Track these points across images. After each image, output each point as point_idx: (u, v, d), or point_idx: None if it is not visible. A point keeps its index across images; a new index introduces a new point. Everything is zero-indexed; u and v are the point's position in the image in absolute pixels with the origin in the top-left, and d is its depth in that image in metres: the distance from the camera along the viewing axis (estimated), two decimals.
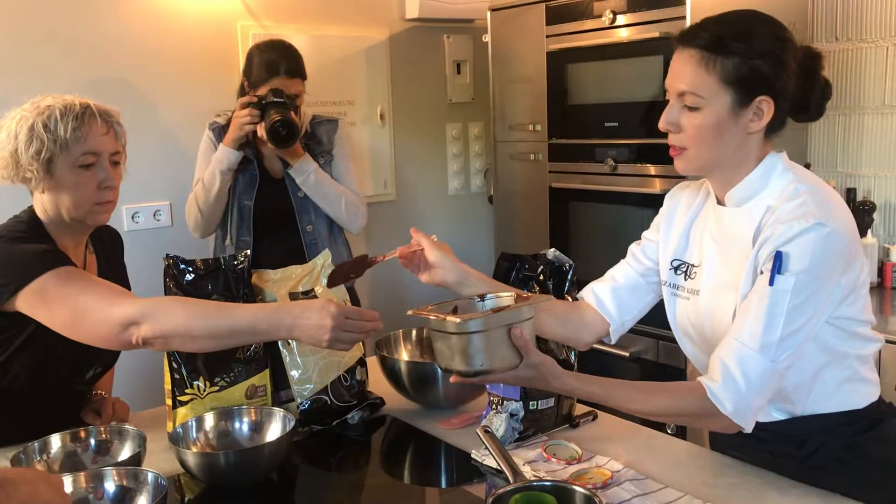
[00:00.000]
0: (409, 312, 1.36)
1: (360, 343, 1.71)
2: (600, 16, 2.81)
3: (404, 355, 1.95)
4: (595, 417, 1.73)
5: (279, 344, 1.71)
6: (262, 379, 1.71)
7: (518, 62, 3.18)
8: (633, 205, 2.82)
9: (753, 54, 1.33)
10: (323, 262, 1.83)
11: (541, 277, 1.69)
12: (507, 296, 1.44)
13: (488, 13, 3.29)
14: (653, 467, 1.48)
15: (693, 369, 1.93)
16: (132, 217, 2.96)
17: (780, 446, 1.43)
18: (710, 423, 1.36)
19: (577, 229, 3.06)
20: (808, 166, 2.94)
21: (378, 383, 1.85)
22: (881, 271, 2.80)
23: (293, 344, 1.71)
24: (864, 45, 2.83)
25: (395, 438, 1.75)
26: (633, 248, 1.65)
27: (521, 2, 3.14)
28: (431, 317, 1.32)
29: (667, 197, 1.62)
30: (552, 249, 1.71)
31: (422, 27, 3.54)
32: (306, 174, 2.61)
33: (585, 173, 2.95)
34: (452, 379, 1.34)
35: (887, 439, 1.42)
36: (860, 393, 1.42)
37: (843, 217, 1.33)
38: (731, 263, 1.41)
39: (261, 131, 2.51)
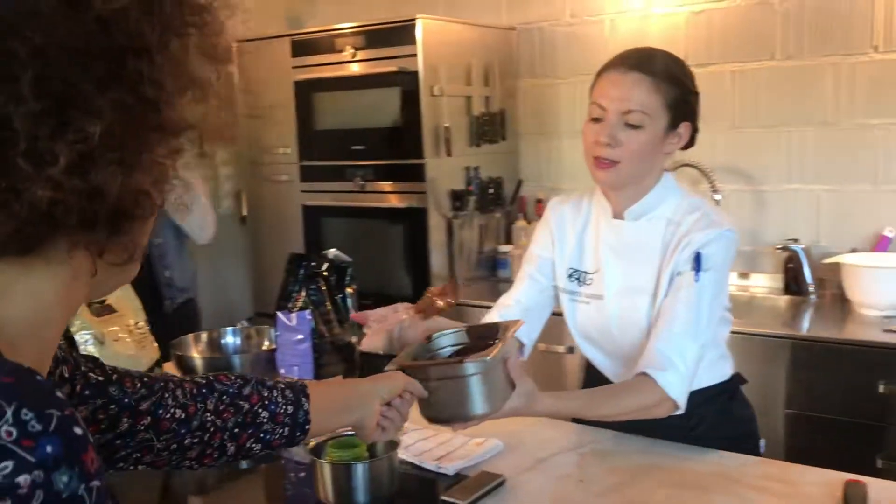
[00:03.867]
0: (390, 368, 1.24)
1: None
2: (342, 50, 3.14)
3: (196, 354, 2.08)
4: None
5: None
6: None
7: (267, 90, 3.42)
8: (378, 218, 3.19)
9: (685, 85, 1.54)
10: None
11: (325, 274, 1.95)
12: (451, 332, 1.40)
13: (233, 45, 3.49)
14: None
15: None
16: None
17: (669, 420, 1.51)
18: (658, 411, 1.46)
19: (330, 242, 3.35)
20: (521, 182, 3.49)
21: None
22: None
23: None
24: (558, 82, 3.42)
25: None
26: (529, 268, 1.73)
27: (267, 35, 3.40)
28: (430, 365, 1.26)
29: (550, 211, 1.73)
30: (333, 249, 1.98)
31: None
32: None
33: (336, 192, 3.27)
34: (455, 428, 1.35)
35: (744, 399, 1.72)
36: (726, 367, 1.67)
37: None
38: (636, 271, 1.58)
39: None
